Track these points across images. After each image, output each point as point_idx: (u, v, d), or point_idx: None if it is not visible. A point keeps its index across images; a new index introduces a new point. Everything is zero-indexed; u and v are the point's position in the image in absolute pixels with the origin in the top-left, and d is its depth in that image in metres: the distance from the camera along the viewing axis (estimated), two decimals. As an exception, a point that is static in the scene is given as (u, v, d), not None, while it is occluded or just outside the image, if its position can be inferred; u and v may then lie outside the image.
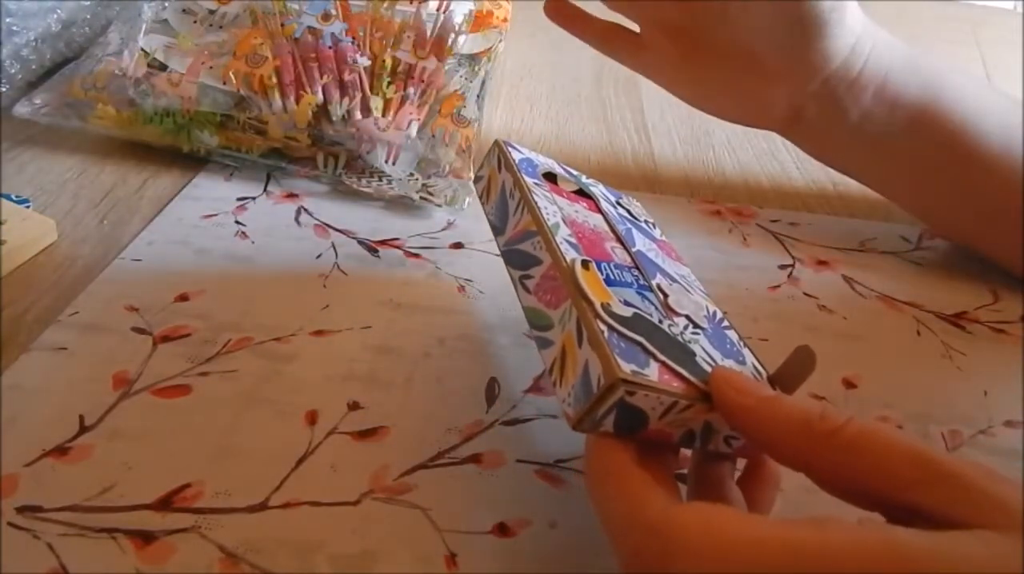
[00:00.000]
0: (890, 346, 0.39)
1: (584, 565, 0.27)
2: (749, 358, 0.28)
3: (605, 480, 0.23)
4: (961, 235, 0.46)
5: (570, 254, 0.28)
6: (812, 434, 0.22)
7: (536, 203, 0.30)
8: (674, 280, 0.31)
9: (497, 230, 0.32)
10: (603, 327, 0.24)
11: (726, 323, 0.30)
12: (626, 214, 0.36)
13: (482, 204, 0.34)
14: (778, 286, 0.43)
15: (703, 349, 0.27)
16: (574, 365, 0.24)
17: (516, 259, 0.30)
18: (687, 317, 0.28)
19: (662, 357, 0.24)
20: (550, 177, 0.35)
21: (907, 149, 0.42)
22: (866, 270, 0.45)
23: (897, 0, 0.85)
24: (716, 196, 0.51)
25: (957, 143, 0.41)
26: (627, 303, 0.26)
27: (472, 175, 0.46)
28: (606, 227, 0.32)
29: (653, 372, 0.23)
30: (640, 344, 0.24)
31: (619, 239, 0.32)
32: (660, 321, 0.26)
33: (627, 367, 0.23)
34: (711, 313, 0.30)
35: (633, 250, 0.31)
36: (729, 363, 0.27)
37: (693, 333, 0.27)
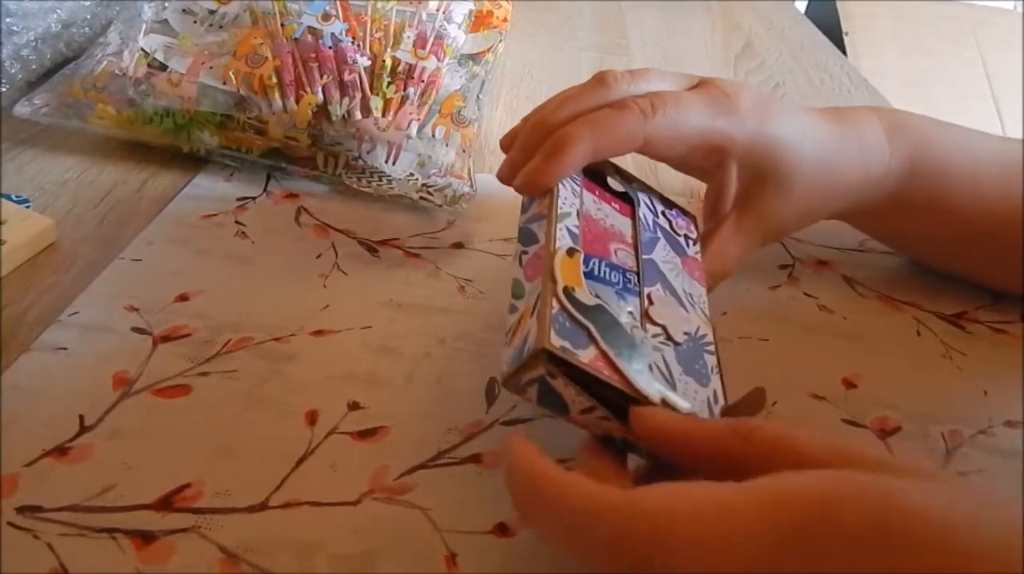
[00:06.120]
0: (890, 346, 0.39)
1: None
2: (713, 384, 0.28)
3: (544, 489, 0.23)
4: (936, 261, 0.45)
5: (563, 240, 0.28)
6: (735, 434, 0.24)
7: (557, 190, 0.31)
8: (675, 295, 0.31)
9: (524, 209, 0.33)
10: (556, 305, 0.26)
11: (711, 348, 0.30)
12: (666, 225, 0.36)
13: None
14: (778, 286, 0.43)
15: (663, 359, 0.27)
16: (522, 331, 0.26)
17: (524, 236, 0.31)
18: (663, 328, 0.28)
19: (604, 346, 0.25)
20: (598, 176, 0.35)
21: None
22: (866, 270, 0.45)
23: (897, 0, 0.85)
24: (716, 196, 0.51)
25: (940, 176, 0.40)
26: (596, 296, 0.27)
27: (471, 174, 0.46)
28: (626, 231, 0.33)
29: (587, 355, 0.25)
30: (586, 329, 0.25)
31: (634, 245, 0.32)
32: (626, 323, 0.27)
33: (558, 342, 0.24)
34: (697, 333, 0.30)
35: (644, 258, 0.31)
36: (688, 380, 0.27)
37: (662, 343, 0.28)
